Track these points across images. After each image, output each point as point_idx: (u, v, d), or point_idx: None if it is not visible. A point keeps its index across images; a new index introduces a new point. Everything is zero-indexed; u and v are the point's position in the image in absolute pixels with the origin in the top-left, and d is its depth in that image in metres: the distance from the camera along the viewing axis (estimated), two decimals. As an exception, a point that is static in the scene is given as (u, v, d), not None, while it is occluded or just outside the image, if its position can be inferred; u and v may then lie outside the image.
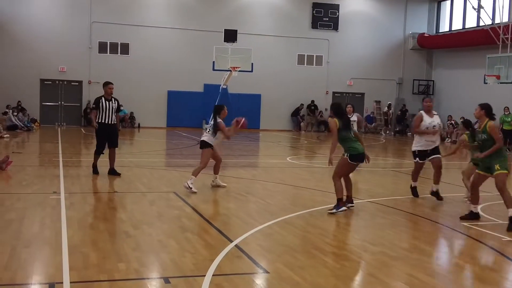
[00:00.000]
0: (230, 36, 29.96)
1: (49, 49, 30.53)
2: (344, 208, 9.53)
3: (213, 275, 5.95)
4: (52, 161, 15.85)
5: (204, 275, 5.91)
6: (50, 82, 31.44)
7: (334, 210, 9.42)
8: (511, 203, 8.55)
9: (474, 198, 9.19)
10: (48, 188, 11.23)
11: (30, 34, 30.25)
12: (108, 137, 13.04)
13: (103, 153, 13.16)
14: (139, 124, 32.14)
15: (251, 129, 31.93)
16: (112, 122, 13.10)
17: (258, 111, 33.68)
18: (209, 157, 11.50)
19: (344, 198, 9.64)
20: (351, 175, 10.01)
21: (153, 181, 12.74)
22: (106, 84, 13.36)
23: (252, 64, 30.17)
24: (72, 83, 31.73)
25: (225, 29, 30.17)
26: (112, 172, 13.03)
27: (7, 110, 27.50)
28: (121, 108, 31.26)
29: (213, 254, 6.72)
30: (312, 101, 34.86)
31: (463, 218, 9.17)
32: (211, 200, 10.56)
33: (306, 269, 6.40)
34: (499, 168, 8.70)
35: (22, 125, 27.08)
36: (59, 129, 29.20)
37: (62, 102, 31.78)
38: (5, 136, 22.53)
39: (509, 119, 26.45)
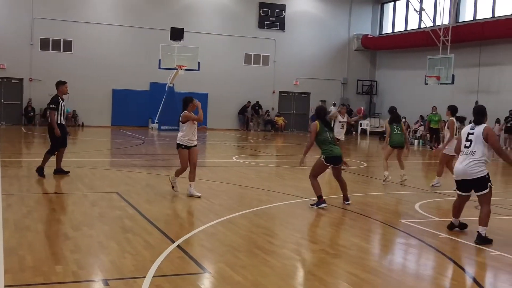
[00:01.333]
0: (177, 34, 29.77)
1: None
2: (324, 204, 9.83)
3: (153, 276, 5.86)
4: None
5: (144, 277, 5.81)
6: (-11, 80, 30.56)
7: (314, 206, 9.84)
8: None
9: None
10: (-15, 189, 10.88)
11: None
12: (62, 137, 12.63)
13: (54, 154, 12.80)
14: (82, 123, 31.51)
15: (199, 128, 31.78)
16: (65, 122, 12.99)
17: (205, 110, 33.38)
18: (184, 158, 10.66)
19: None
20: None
21: (95, 182, 12.47)
22: (62, 83, 12.81)
23: (198, 63, 30.08)
24: (13, 81, 30.82)
25: (171, 27, 30.02)
26: (60, 172, 12.76)
27: None
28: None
29: (154, 255, 6.62)
30: (257, 102, 34.95)
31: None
32: (154, 200, 10.38)
33: (247, 268, 6.39)
34: None
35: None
36: (-1, 128, 28.36)
37: (2, 100, 30.83)
38: None
39: (436, 118, 27.22)
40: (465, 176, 7.90)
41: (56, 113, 12.34)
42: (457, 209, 8.35)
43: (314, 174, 10.05)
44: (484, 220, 7.81)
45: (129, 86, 31.99)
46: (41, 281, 5.65)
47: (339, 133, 15.24)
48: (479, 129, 7.89)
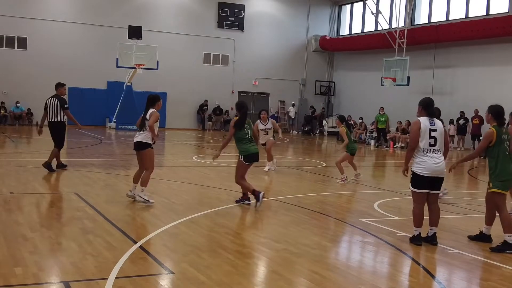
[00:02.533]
0: (135, 32, 29.47)
1: None
2: (247, 202, 10.04)
3: (116, 277, 5.78)
4: None
5: (107, 278, 5.73)
6: None
7: (241, 202, 10.11)
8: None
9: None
10: None
11: None
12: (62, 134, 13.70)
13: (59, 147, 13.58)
14: (37, 122, 30.77)
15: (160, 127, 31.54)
16: (63, 120, 13.71)
17: (164, 109, 33.24)
18: (153, 158, 10.12)
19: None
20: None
21: (53, 182, 12.27)
22: (61, 85, 14.12)
23: (157, 62, 29.90)
24: (-35, 79, 29.95)
25: (129, 25, 29.68)
26: (61, 165, 13.67)
27: None
28: (18, 105, 30.09)
29: (116, 256, 6.53)
30: (218, 106, 34.96)
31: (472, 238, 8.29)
32: (114, 201, 10.23)
33: (211, 268, 6.36)
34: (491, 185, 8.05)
35: None
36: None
37: (-48, 98, 29.97)
38: None
39: (383, 119, 27.91)
40: (442, 174, 7.84)
41: (47, 113, 13.66)
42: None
43: (239, 176, 10.01)
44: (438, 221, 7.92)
45: (86, 85, 31.45)
46: (0, 283, 5.51)
47: (263, 139, 14.95)
48: (440, 124, 7.89)
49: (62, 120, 13.54)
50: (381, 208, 10.55)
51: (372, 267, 7.06)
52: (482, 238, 8.15)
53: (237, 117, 10.06)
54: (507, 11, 25.70)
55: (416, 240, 7.77)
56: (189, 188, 12.19)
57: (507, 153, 7.81)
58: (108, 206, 9.68)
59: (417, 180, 7.76)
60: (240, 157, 9.95)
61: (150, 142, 9.87)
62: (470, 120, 26.10)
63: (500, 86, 25.73)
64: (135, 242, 7.23)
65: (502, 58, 25.93)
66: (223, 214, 9.44)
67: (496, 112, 7.94)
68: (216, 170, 15.74)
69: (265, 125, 15.10)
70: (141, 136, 9.85)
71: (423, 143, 7.69)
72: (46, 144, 21.68)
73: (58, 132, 13.58)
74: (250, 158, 9.91)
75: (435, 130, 7.71)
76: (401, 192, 12.20)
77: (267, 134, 15.15)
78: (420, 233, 7.78)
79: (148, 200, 9.79)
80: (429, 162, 7.64)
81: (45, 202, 9.88)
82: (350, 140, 13.75)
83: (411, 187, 7.88)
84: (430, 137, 7.68)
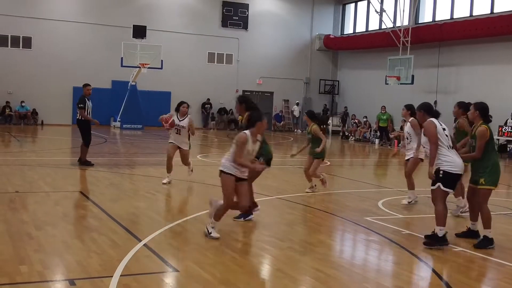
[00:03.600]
0: (139, 32, 29.51)
1: None
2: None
3: (121, 275, 5.78)
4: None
5: (112, 276, 5.72)
6: None
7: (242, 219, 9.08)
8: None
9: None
10: None
11: None
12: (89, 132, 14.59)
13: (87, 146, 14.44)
14: (42, 121, 30.92)
15: (160, 127, 31.59)
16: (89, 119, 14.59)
17: (168, 108, 33.24)
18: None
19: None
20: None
21: (58, 181, 12.26)
22: (86, 86, 14.96)
23: (161, 61, 29.92)
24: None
25: (134, 25, 29.76)
26: (86, 163, 14.30)
27: None
28: (23, 104, 30.12)
29: (121, 254, 6.53)
30: (224, 107, 35.01)
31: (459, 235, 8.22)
32: (119, 199, 10.26)
33: (215, 266, 6.36)
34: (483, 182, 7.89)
35: None
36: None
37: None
38: None
39: (385, 117, 27.97)
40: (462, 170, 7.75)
41: (84, 111, 14.29)
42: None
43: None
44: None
45: (91, 84, 31.29)
46: (5, 281, 5.50)
47: (174, 139, 12.10)
48: (444, 125, 7.83)
49: (82, 118, 14.42)
50: (385, 207, 10.53)
51: (376, 265, 7.05)
52: (470, 234, 8.12)
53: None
54: (511, 9, 25.61)
55: (443, 241, 7.60)
56: (193, 187, 12.19)
57: (496, 149, 7.81)
58: (112, 204, 9.69)
59: (451, 179, 7.60)
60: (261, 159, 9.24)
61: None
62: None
63: (504, 85, 25.66)
64: (140, 240, 7.23)
65: (507, 56, 25.84)
66: (227, 213, 9.42)
67: (482, 109, 7.89)
68: (216, 168, 15.70)
69: (180, 121, 11.97)
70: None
71: (445, 140, 7.61)
72: (50, 143, 21.82)
73: (80, 129, 14.56)
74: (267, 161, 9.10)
75: (444, 129, 7.70)
76: (405, 190, 12.17)
77: (179, 134, 12.00)
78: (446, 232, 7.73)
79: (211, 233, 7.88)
80: (457, 160, 7.58)
81: (50, 201, 9.87)
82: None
83: (441, 186, 7.62)
84: (446, 135, 7.66)
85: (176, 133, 11.91)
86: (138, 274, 5.94)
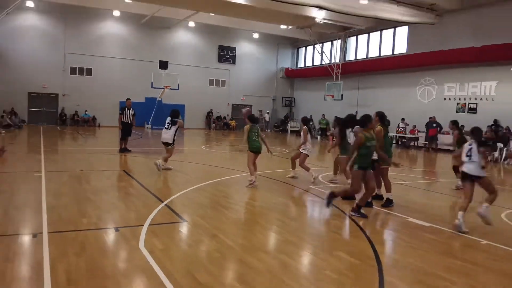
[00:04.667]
0: (163, 64, 29.20)
1: (35, 71, 28.31)
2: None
3: (149, 224, 5.73)
4: (36, 149, 14.64)
5: (143, 225, 5.67)
6: (35, 94, 29.02)
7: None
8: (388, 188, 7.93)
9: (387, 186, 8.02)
10: (33, 168, 10.35)
11: (21, 60, 27.88)
12: (127, 130, 14.43)
13: (124, 140, 14.42)
14: (99, 124, 30.46)
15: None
16: (129, 122, 14.45)
17: (183, 115, 33.03)
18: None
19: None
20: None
21: (109, 163, 12.08)
22: (127, 100, 14.85)
23: (178, 84, 29.62)
24: (51, 95, 29.37)
25: (160, 60, 29.42)
26: (125, 150, 14.28)
27: (3, 114, 25.25)
28: (86, 113, 29.70)
29: (150, 211, 6.46)
30: (220, 116, 34.57)
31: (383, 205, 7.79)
32: (149, 175, 10.10)
33: (213, 218, 6.32)
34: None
35: (14, 124, 24.91)
36: (41, 127, 27.06)
37: (44, 108, 29.32)
38: (2, 132, 20.67)
39: (324, 122, 28.30)
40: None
41: (122, 116, 14.26)
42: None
43: (251, 162, 9.26)
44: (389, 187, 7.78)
45: (132, 99, 30.78)
46: (72, 228, 5.43)
47: (165, 137, 11.21)
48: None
49: (124, 121, 14.35)
50: (324, 179, 10.55)
51: (318, 217, 7.06)
52: (377, 197, 8.06)
53: (249, 125, 9.27)
54: (405, 51, 25.85)
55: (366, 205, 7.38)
56: (199, 167, 12.09)
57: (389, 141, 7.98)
58: (145, 178, 9.57)
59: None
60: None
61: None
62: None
63: (405, 102, 25.92)
64: (162, 202, 7.16)
65: (405, 83, 26.12)
66: (222, 184, 9.39)
67: (381, 116, 7.92)
68: (217, 155, 15.65)
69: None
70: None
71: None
72: (105, 139, 21.50)
73: (121, 128, 14.49)
74: (253, 150, 9.24)
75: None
76: (331, 168, 12.17)
77: (166, 133, 11.07)
78: None
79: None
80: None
81: (103, 176, 9.73)
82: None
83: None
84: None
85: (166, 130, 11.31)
86: (161, 224, 5.88)
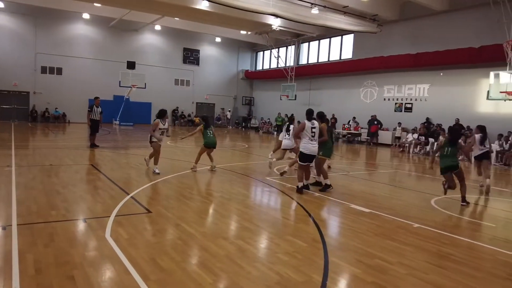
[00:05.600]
0: (131, 65, 28.49)
1: (5, 70, 26.66)
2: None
3: (115, 216, 5.60)
4: (6, 145, 13.84)
5: (109, 216, 5.54)
6: (6, 92, 27.31)
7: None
8: (325, 175, 8.23)
9: (323, 173, 8.34)
10: (4, 162, 9.79)
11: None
12: (95, 127, 14.00)
13: (93, 135, 14.05)
14: (69, 120, 29.18)
15: (145, 124, 30.55)
16: (97, 119, 14.00)
17: (149, 113, 32.35)
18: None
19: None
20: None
21: (77, 157, 11.62)
22: (95, 98, 14.40)
23: (145, 83, 28.93)
24: (22, 93, 27.81)
25: (127, 60, 28.64)
26: (94, 146, 13.82)
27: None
28: (56, 110, 28.38)
29: (116, 202, 6.31)
30: (183, 112, 34.07)
31: (321, 190, 8.10)
32: (116, 169, 9.81)
33: (176, 209, 6.25)
34: (320, 154, 8.35)
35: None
36: (12, 124, 25.57)
37: (15, 106, 27.73)
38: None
39: (280, 119, 28.58)
40: (314, 153, 7.81)
41: (90, 113, 13.80)
42: (306, 174, 8.14)
43: (201, 153, 10.10)
44: (299, 178, 7.92)
45: (100, 97, 29.68)
46: (41, 220, 5.21)
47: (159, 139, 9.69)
48: (316, 124, 7.85)
49: (92, 118, 13.97)
50: (278, 171, 10.68)
51: (273, 205, 7.09)
52: (316, 184, 8.38)
53: (203, 124, 10.14)
54: (351, 57, 26.53)
55: (302, 190, 7.82)
56: (164, 161, 11.83)
57: (332, 136, 8.55)
58: (112, 172, 9.32)
59: (303, 157, 7.76)
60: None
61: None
62: (329, 120, 26.88)
63: (350, 102, 26.61)
64: (128, 194, 7.00)
65: (350, 85, 26.80)
66: (184, 176, 9.28)
67: (320, 115, 8.25)
68: (181, 150, 15.45)
69: (164, 125, 9.75)
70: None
71: (307, 134, 7.72)
72: (74, 134, 20.64)
73: (91, 125, 14.10)
74: (208, 145, 9.97)
75: (314, 127, 7.77)
76: (285, 161, 12.35)
77: (162, 134, 9.86)
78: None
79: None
80: (309, 146, 7.70)
81: (72, 170, 9.36)
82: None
83: (299, 160, 7.83)
84: (312, 131, 7.74)
85: (160, 134, 9.68)
86: (127, 215, 5.75)
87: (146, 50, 32.23)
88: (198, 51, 34.63)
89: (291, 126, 10.40)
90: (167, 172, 9.58)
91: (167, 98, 33.07)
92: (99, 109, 14.11)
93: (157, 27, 31.25)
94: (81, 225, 5.18)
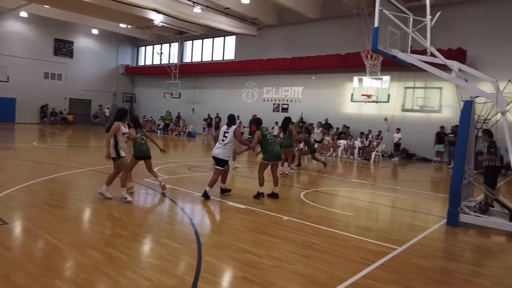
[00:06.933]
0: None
1: None
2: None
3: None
4: None
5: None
6: None
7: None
8: (261, 183, 7.90)
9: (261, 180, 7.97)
10: None
11: None
12: None
13: None
14: None
15: (8, 122, 26.77)
16: None
17: (13, 110, 28.36)
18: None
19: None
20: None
21: None
22: None
23: (8, 76, 25.29)
24: None
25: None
26: None
27: None
28: None
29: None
30: (53, 109, 30.73)
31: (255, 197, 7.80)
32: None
33: (37, 218, 5.67)
34: (262, 159, 8.01)
35: None
36: None
37: None
38: None
39: (169, 117, 28.12)
40: (215, 154, 7.66)
41: None
42: (223, 177, 7.96)
43: (130, 168, 7.70)
44: (212, 183, 7.56)
45: None
46: None
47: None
48: (231, 129, 7.68)
49: None
50: (159, 171, 10.43)
51: (149, 209, 6.93)
52: (225, 191, 8.06)
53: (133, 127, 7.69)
54: (233, 58, 27.33)
55: (207, 196, 7.52)
56: (28, 164, 10.59)
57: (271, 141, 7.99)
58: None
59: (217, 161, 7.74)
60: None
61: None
62: (213, 119, 27.36)
63: (233, 101, 27.31)
64: (-22, 205, 6.10)
65: (233, 85, 27.54)
66: (49, 181, 8.42)
67: (256, 121, 8.31)
68: (50, 151, 13.99)
69: (126, 129, 8.69)
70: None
71: (220, 138, 7.72)
72: None
73: None
74: (138, 155, 7.77)
75: (228, 132, 7.68)
76: (170, 161, 12.18)
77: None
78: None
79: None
80: (215, 150, 7.68)
81: None
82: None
83: (216, 165, 7.74)
84: (224, 135, 7.69)
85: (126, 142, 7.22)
86: (-26, 229, 5.02)
87: (9, 39, 28.15)
88: (72, 42, 31.62)
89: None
90: (29, 178, 8.58)
91: (35, 93, 29.49)
92: None
93: (23, 14, 27.53)
94: None
